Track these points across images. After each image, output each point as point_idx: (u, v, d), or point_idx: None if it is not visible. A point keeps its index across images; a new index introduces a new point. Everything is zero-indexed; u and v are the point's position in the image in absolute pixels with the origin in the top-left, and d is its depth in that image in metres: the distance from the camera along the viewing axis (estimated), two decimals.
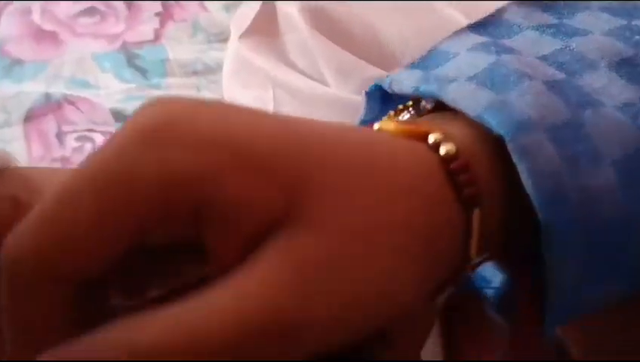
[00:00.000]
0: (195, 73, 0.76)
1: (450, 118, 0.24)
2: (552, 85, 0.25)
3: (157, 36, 0.81)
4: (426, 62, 0.28)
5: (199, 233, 0.18)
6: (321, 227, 0.18)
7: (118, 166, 0.18)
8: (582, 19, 0.29)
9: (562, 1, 0.30)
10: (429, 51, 0.28)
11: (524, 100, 0.23)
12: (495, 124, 0.22)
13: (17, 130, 0.68)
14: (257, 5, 0.57)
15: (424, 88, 0.25)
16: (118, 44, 0.82)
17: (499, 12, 0.30)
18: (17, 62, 0.78)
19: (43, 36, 0.82)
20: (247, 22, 0.59)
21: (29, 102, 0.71)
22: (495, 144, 0.23)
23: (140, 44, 0.80)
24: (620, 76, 0.26)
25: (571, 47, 0.27)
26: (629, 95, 0.25)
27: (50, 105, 0.70)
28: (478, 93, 0.24)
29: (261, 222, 0.18)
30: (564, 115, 0.24)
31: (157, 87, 0.75)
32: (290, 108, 0.48)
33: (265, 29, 0.58)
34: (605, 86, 0.25)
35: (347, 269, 0.18)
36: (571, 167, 0.22)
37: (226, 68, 0.64)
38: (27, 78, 0.76)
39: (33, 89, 0.73)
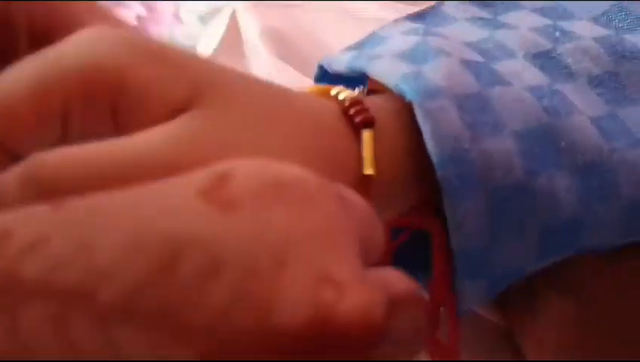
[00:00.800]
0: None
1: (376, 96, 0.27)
2: (467, 64, 0.27)
3: None
4: (362, 44, 0.31)
5: (115, 123, 0.21)
6: (216, 117, 0.21)
7: (55, 53, 0.21)
8: (513, 16, 0.32)
9: (500, 1, 0.33)
10: (368, 35, 0.32)
11: (437, 72, 0.26)
12: (407, 90, 0.25)
13: None
14: (223, 25, 0.59)
15: (355, 64, 0.28)
16: None
17: (438, 5, 0.33)
18: None
19: None
20: (214, 44, 0.62)
21: None
22: (412, 113, 0.25)
23: None
24: (535, 65, 0.29)
25: (495, 38, 0.30)
26: (540, 81, 0.28)
27: None
28: (397, 66, 0.27)
29: (168, 108, 0.21)
30: (472, 88, 0.26)
31: None
32: None
33: (230, 51, 0.61)
34: (519, 71, 0.28)
35: (236, 149, 0.21)
36: (472, 132, 0.25)
37: None
38: None
39: None
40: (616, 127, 0.29)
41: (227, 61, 0.61)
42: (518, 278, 0.29)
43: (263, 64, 0.59)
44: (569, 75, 0.30)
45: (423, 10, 0.33)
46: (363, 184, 0.24)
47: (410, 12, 0.34)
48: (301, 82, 0.54)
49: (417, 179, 0.26)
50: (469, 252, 0.25)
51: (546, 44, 0.31)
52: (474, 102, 0.26)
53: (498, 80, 0.28)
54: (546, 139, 0.27)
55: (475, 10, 0.33)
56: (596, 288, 0.32)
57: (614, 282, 0.32)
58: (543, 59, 0.30)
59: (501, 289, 0.28)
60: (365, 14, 0.53)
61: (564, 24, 0.32)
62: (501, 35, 0.31)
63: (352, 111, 0.24)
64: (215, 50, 0.63)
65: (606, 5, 0.32)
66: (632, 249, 0.30)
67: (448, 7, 0.33)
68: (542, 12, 0.33)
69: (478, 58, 0.29)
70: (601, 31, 0.32)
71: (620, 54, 0.31)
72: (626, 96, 0.30)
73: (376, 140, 0.24)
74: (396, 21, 0.32)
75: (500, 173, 0.26)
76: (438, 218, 0.26)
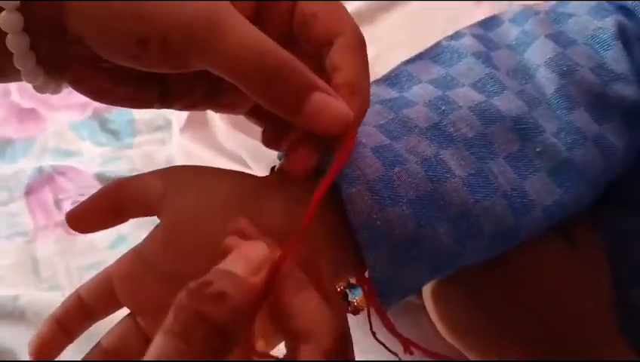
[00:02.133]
0: (159, 128, 0.88)
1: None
2: (376, 150, 0.34)
3: None
4: None
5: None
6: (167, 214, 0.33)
7: None
8: (414, 91, 0.38)
9: (405, 78, 0.40)
10: None
11: (354, 162, 0.34)
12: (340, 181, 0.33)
13: (21, 205, 0.81)
14: None
15: None
16: (90, 111, 0.93)
17: None
18: (9, 142, 0.89)
19: (25, 114, 0.93)
20: (184, 116, 0.73)
21: (26, 179, 0.83)
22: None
23: (108, 108, 0.90)
24: (426, 137, 0.36)
25: (399, 117, 0.37)
26: (429, 152, 0.35)
27: (44, 178, 0.83)
28: None
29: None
30: (379, 172, 0.34)
31: (129, 146, 0.87)
32: None
33: (198, 121, 0.72)
34: (415, 146, 0.35)
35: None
36: (378, 206, 0.33)
37: (175, 154, 0.77)
38: (20, 155, 0.88)
39: (27, 165, 0.85)
40: (480, 182, 0.35)
41: (195, 132, 0.73)
42: (418, 289, 0.40)
43: (219, 129, 0.69)
44: (450, 140, 0.36)
45: None
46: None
47: None
48: (249, 142, 0.65)
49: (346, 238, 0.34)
50: (381, 281, 0.34)
51: (434, 117, 0.36)
52: (380, 184, 0.33)
53: (398, 160, 0.34)
54: (430, 200, 0.34)
55: (385, 91, 0.39)
56: (484, 278, 0.40)
57: (494, 270, 0.40)
58: (433, 130, 0.36)
59: (407, 297, 0.37)
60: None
61: (450, 93, 0.37)
62: (404, 114, 0.37)
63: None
64: (184, 125, 0.75)
65: (483, 72, 0.39)
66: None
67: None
68: (435, 83, 0.39)
69: (386, 140, 0.35)
70: (476, 97, 0.37)
71: (487, 119, 0.37)
72: (491, 151, 0.36)
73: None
74: None
75: (398, 230, 0.33)
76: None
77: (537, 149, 0.36)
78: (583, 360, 0.37)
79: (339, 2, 0.32)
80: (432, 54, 0.40)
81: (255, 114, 0.36)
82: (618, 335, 0.40)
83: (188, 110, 0.41)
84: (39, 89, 0.30)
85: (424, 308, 0.43)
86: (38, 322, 0.68)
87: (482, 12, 0.85)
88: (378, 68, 0.40)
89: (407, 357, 0.39)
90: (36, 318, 0.68)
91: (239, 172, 0.35)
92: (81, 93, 0.31)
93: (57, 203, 0.81)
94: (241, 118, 0.38)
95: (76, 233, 0.77)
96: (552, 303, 0.39)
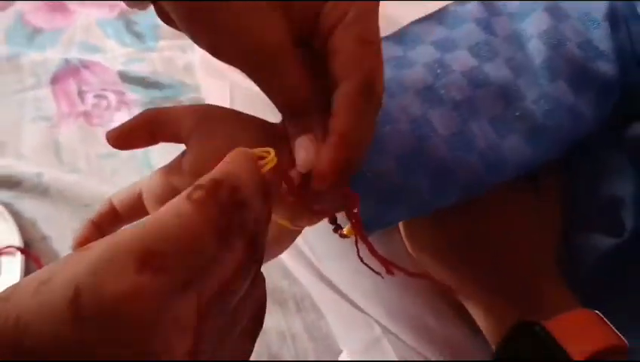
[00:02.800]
0: (182, 36, 0.91)
1: None
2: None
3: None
4: None
5: None
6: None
7: None
8: (417, 51, 0.42)
9: (411, 37, 0.44)
10: None
11: None
12: None
13: (47, 91, 0.86)
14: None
15: None
16: (116, 11, 0.98)
17: None
18: (38, 30, 0.94)
19: (55, 6, 0.97)
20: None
21: (54, 67, 0.88)
22: None
23: (134, 11, 0.95)
24: (418, 97, 0.39)
25: (397, 78, 0.40)
26: (418, 113, 0.39)
27: (70, 69, 0.88)
28: None
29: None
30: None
31: (152, 49, 0.92)
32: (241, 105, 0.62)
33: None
34: (407, 105, 0.39)
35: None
36: (369, 160, 0.37)
37: (197, 58, 0.75)
38: (48, 45, 0.92)
39: (54, 55, 0.90)
40: (460, 140, 0.39)
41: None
42: (395, 224, 0.45)
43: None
44: (440, 102, 0.40)
45: None
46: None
47: None
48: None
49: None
50: (367, 220, 0.39)
51: (429, 79, 0.40)
52: (372, 143, 0.37)
53: (389, 119, 0.38)
54: (415, 157, 0.38)
55: (392, 49, 0.43)
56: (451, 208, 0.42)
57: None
58: (425, 92, 0.40)
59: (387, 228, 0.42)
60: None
61: (447, 56, 0.42)
62: (402, 74, 0.41)
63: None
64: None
65: (480, 38, 0.42)
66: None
67: None
68: (436, 45, 0.43)
69: (384, 99, 0.38)
70: (469, 61, 0.42)
71: (476, 84, 0.40)
72: (476, 112, 0.40)
73: None
74: None
75: (384, 180, 0.37)
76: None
77: (517, 113, 0.41)
78: None
79: (370, 38, 0.33)
80: (439, 16, 0.45)
81: None
82: (559, 276, 0.46)
83: None
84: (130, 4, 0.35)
85: (397, 227, 0.49)
86: (60, 198, 0.76)
87: None
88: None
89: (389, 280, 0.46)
90: (59, 194, 0.75)
91: (262, 122, 0.39)
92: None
93: (81, 94, 0.87)
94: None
95: (96, 124, 0.83)
96: (506, 237, 0.45)
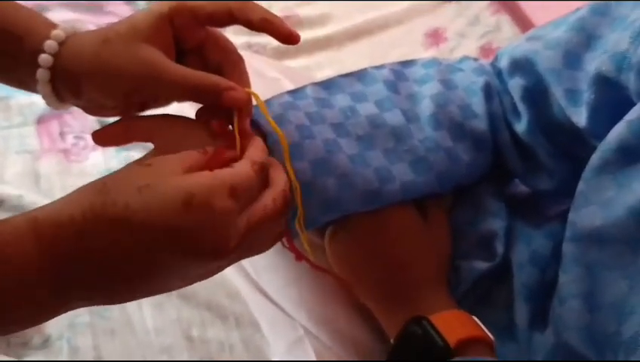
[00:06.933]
0: None
1: None
2: (298, 127, 0.55)
3: None
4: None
5: None
6: None
7: None
8: (337, 98, 0.60)
9: (335, 86, 0.61)
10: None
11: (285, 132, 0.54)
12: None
13: (32, 129, 0.97)
14: None
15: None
16: None
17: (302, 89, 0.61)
18: None
19: None
20: None
21: (39, 110, 0.99)
22: None
23: None
24: (332, 128, 0.57)
25: (321, 112, 0.58)
26: (330, 137, 0.56)
27: (55, 113, 0.99)
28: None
29: None
30: (296, 140, 0.54)
31: None
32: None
33: None
34: (322, 131, 0.56)
35: None
36: (293, 160, 0.52)
37: None
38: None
39: (41, 100, 0.99)
40: (359, 158, 0.54)
41: None
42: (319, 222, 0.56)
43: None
44: (347, 134, 0.56)
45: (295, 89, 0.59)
46: None
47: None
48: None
49: None
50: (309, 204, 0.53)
51: (341, 118, 0.57)
52: (295, 148, 0.53)
53: (309, 135, 0.54)
54: (324, 162, 0.53)
55: (320, 92, 0.59)
56: (362, 229, 0.58)
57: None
58: (337, 126, 0.56)
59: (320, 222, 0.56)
60: (269, 74, 0.78)
61: (358, 106, 0.58)
62: (324, 111, 0.57)
63: None
64: None
65: (385, 95, 0.59)
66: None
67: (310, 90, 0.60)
68: (352, 96, 0.59)
69: (307, 123, 0.55)
70: (373, 110, 0.58)
71: (375, 125, 0.57)
72: (372, 144, 0.56)
73: None
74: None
75: (299, 177, 0.51)
76: None
77: (405, 148, 0.56)
78: None
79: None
80: (358, 75, 0.61)
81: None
82: (443, 287, 0.59)
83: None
84: (51, 106, 0.52)
85: (323, 246, 0.62)
86: None
87: (428, 54, 1.06)
88: None
89: (311, 290, 0.59)
90: None
91: (205, 123, 0.50)
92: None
93: (62, 134, 0.98)
94: None
95: (73, 160, 0.94)
96: (399, 256, 0.58)
